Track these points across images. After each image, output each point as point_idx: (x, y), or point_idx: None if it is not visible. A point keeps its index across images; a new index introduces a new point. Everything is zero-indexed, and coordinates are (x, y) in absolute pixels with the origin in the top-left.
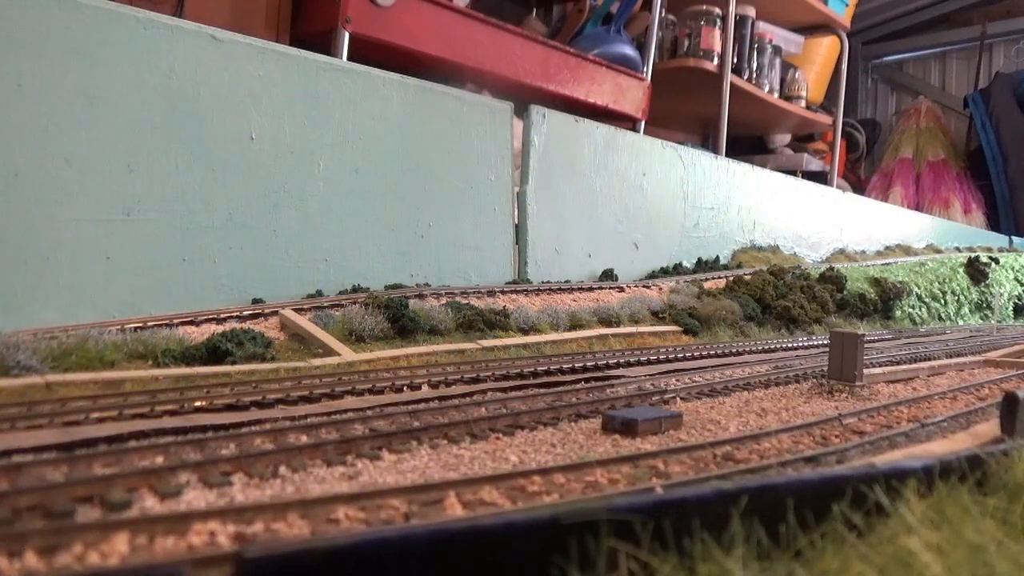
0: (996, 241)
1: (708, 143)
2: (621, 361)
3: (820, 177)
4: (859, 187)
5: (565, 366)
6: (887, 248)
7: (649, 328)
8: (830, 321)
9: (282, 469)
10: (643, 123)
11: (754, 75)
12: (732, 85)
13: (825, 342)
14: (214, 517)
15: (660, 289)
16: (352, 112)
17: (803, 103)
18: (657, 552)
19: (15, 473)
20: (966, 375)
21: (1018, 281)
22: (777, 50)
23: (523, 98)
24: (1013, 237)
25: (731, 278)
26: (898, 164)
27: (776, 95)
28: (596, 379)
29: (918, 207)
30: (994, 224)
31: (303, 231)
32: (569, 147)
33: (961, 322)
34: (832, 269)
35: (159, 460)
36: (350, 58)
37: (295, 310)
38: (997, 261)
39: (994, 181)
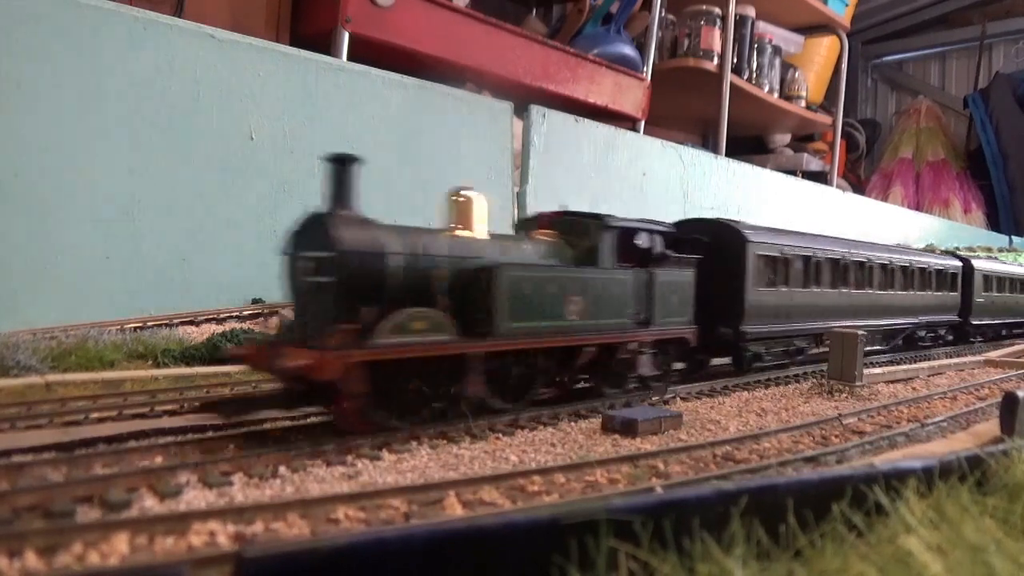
0: (996, 241)
1: (708, 143)
2: None
3: (820, 177)
4: (859, 187)
5: None
6: None
7: None
8: None
9: (282, 469)
10: (643, 123)
11: (754, 75)
12: (732, 85)
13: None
14: (214, 517)
15: None
16: (352, 112)
17: (803, 103)
18: (657, 552)
19: (15, 473)
20: (966, 375)
21: None
22: (777, 50)
23: (523, 98)
24: (1013, 237)
25: None
26: (898, 164)
27: (776, 95)
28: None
29: (918, 207)
30: (994, 224)
31: None
32: (569, 147)
33: None
34: None
35: (159, 460)
36: (350, 58)
37: None
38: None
39: (994, 181)
